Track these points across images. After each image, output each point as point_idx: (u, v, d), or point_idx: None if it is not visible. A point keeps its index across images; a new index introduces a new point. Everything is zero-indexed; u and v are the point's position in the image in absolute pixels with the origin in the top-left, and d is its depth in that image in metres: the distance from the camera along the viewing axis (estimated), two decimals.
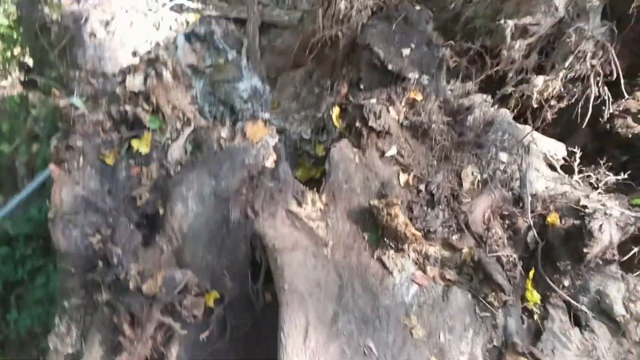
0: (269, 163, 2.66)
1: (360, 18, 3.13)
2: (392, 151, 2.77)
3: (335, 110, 3.00)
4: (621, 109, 3.56)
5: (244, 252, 2.51)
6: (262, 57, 3.76)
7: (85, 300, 2.58)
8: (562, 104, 3.59)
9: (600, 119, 3.45)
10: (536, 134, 3.20)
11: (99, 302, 2.41)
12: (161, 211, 2.58)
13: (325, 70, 3.42)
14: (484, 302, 2.54)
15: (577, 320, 2.72)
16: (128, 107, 2.80)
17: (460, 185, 2.83)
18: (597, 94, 3.37)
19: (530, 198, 2.88)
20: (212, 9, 3.86)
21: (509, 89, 3.55)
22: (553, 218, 2.78)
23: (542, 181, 2.98)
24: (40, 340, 3.67)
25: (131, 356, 2.30)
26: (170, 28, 3.71)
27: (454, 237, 2.68)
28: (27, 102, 4.31)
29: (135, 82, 2.84)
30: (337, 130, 3.00)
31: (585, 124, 3.38)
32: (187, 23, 3.76)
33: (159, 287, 2.26)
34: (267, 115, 3.29)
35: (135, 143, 2.75)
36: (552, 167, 3.14)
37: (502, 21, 3.45)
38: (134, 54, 3.51)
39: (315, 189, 2.69)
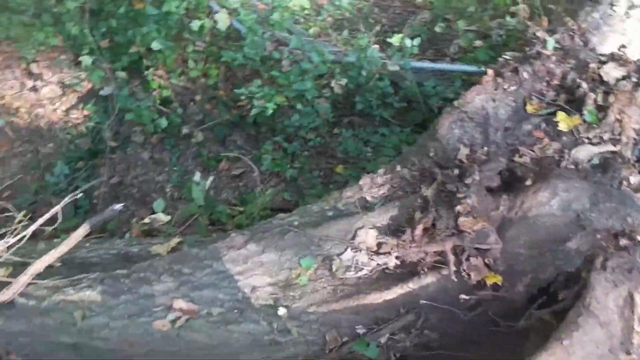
0: None
1: None
2: None
3: None
4: None
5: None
6: None
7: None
8: None
9: None
10: None
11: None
12: (528, 182, 2.38)
13: None
14: None
15: None
16: (584, 85, 2.62)
17: None
18: None
19: None
20: None
21: None
22: None
23: None
24: None
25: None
26: None
27: None
28: None
29: (611, 73, 2.64)
30: None
31: None
32: None
33: (471, 230, 2.20)
34: None
35: (561, 116, 2.56)
36: None
37: None
38: (622, 46, 3.00)
39: None
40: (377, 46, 3.23)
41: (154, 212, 3.26)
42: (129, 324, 2.34)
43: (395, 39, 3.18)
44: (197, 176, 3.14)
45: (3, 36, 4.21)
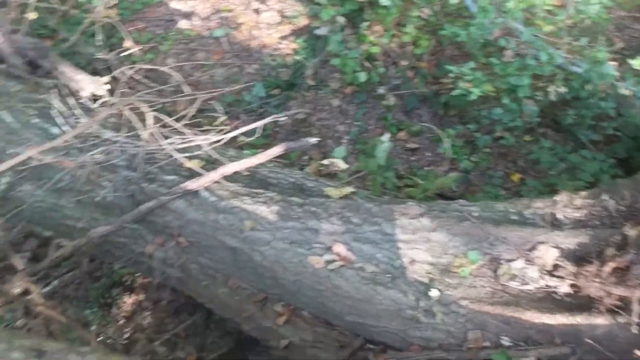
0: None
1: None
2: None
3: None
4: None
5: None
6: None
7: None
8: None
9: None
10: None
11: None
12: None
13: None
14: None
15: None
16: None
17: None
18: None
19: None
20: None
21: None
22: None
23: None
24: None
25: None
26: None
27: None
28: None
29: None
30: None
31: None
32: None
33: None
34: None
35: None
36: None
37: None
38: None
39: None
40: (615, 64, 2.95)
41: (326, 157, 3.35)
42: (288, 249, 2.45)
43: (636, 62, 2.88)
44: (385, 136, 3.15)
45: None
